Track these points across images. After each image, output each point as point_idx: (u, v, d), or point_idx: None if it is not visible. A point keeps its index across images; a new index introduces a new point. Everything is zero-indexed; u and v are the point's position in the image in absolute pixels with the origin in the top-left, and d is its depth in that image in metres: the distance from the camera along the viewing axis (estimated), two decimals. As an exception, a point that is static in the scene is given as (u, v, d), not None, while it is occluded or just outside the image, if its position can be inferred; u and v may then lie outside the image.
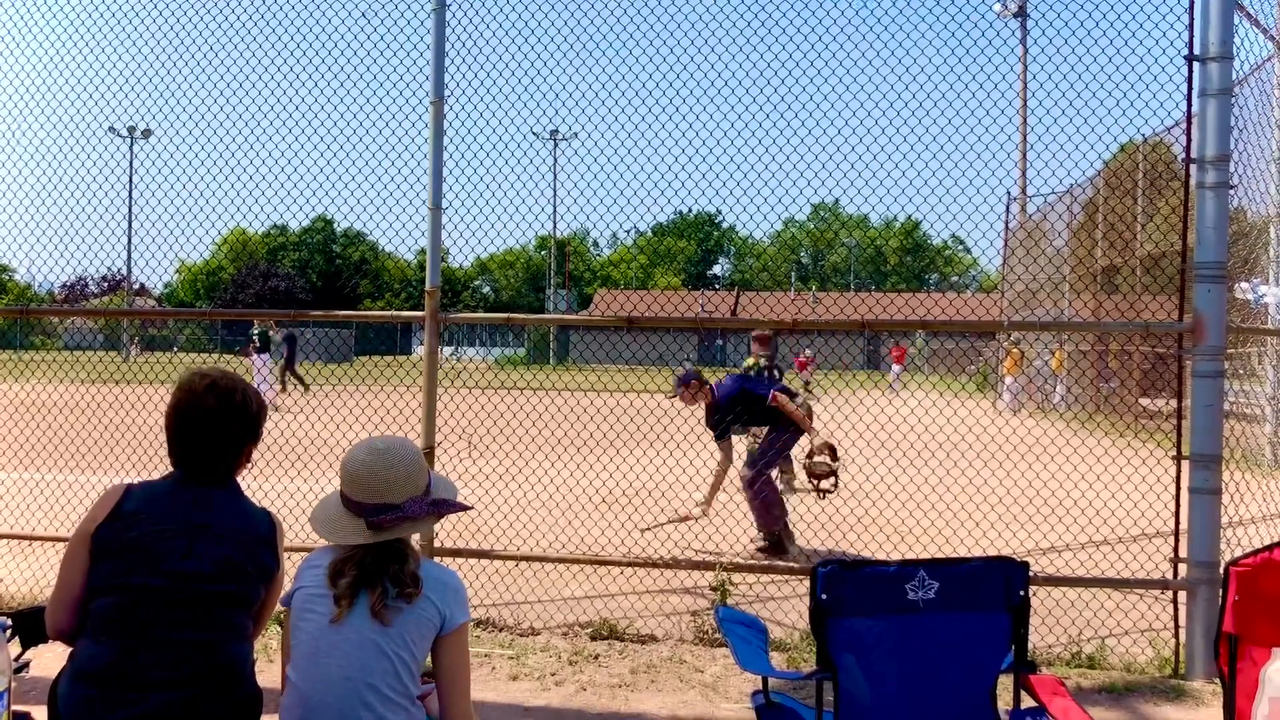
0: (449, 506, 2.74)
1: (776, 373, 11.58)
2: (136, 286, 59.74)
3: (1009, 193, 26.09)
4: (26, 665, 2.79)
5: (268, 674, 3.03)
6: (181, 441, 2.73)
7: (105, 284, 70.91)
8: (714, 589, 5.87)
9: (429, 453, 5.77)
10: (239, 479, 2.85)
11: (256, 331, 23.01)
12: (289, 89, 6.43)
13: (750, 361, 11.28)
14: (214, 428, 2.72)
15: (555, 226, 62.64)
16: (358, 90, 6.41)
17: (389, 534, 2.60)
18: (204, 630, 2.57)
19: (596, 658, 5.22)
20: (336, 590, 2.54)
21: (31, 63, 6.78)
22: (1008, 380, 25.03)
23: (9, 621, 2.71)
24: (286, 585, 2.77)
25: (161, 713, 2.49)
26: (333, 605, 2.53)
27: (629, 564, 6.11)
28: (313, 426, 10.18)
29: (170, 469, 2.78)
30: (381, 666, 2.49)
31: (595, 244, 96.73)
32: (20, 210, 7.00)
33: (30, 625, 2.74)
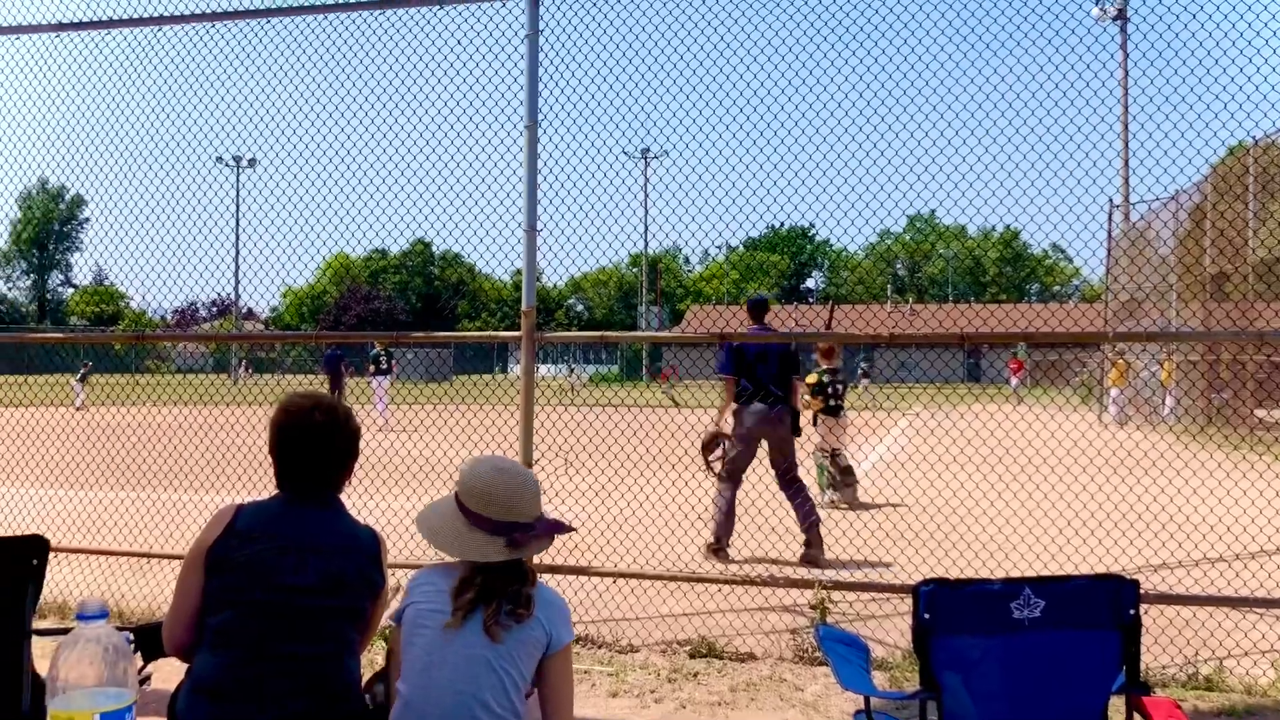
0: (562, 528, 2.79)
1: (840, 386, 11.49)
2: (244, 310, 61.79)
3: (1110, 200, 25.41)
4: (148, 678, 2.90)
5: (375, 689, 3.10)
6: (290, 461, 2.82)
7: (214, 308, 73.47)
8: (813, 607, 5.82)
9: (527, 470, 5.83)
10: (341, 496, 2.93)
11: (375, 353, 23.37)
12: (387, 118, 6.62)
13: (812, 378, 11.18)
14: (322, 446, 2.81)
15: (646, 244, 62.92)
16: (454, 118, 6.55)
17: (524, 552, 2.66)
18: (315, 644, 2.65)
19: (695, 675, 5.21)
20: (455, 605, 2.58)
21: (145, 99, 7.09)
22: (1114, 392, 24.37)
23: (132, 636, 2.82)
24: (395, 602, 2.83)
25: None
26: (448, 618, 2.57)
27: (726, 581, 6.10)
28: (415, 445, 10.40)
29: (276, 489, 2.87)
30: (491, 682, 2.53)
31: (686, 260, 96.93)
32: (135, 240, 7.31)
33: (151, 640, 2.86)
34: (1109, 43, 28.11)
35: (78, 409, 29.29)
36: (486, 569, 2.62)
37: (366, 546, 2.81)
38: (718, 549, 8.13)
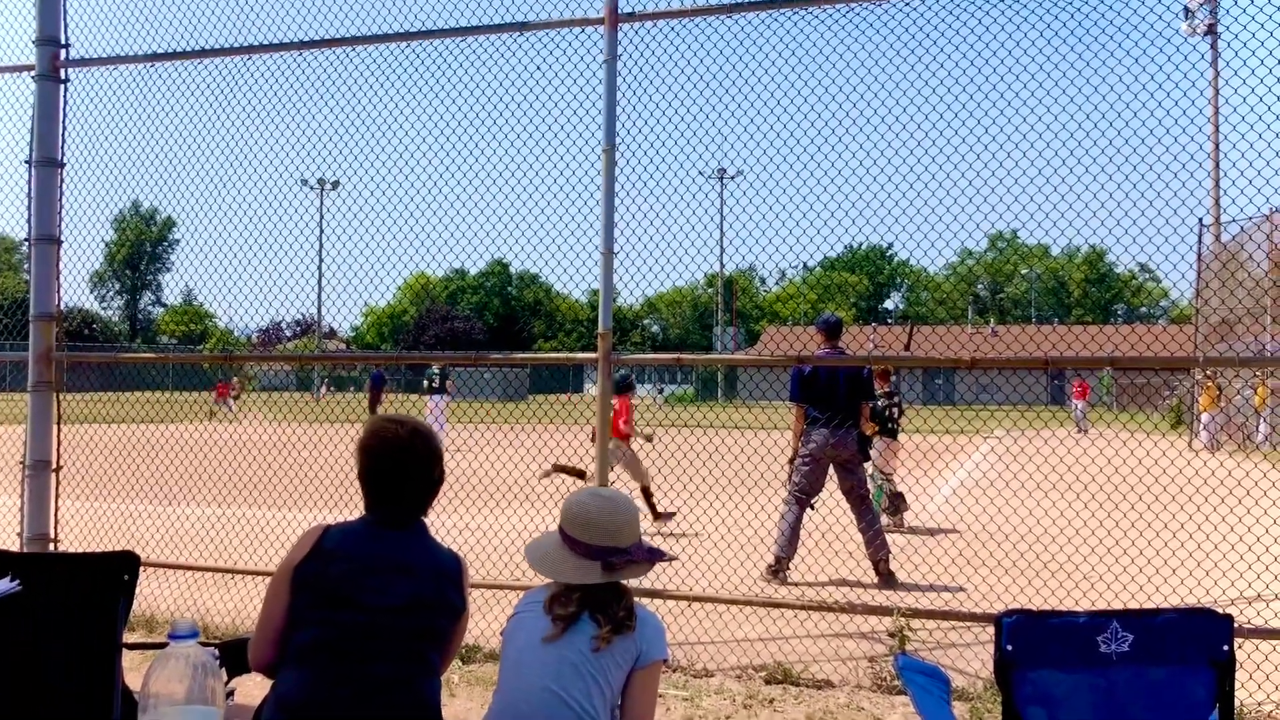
0: (660, 556, 2.87)
1: (896, 410, 11.40)
2: (326, 330, 63.05)
3: (1200, 220, 24.73)
4: (232, 693, 2.96)
5: (449, 708, 3.13)
6: (381, 485, 2.85)
7: (298, 327, 75.09)
8: (892, 635, 5.73)
9: (603, 492, 5.83)
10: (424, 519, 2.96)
11: (430, 371, 23.20)
12: (467, 141, 6.72)
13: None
14: (411, 473, 2.85)
15: (722, 264, 62.95)
16: (533, 141, 6.63)
17: (620, 575, 2.77)
18: (398, 665, 2.69)
19: (771, 702, 5.16)
20: (552, 615, 2.70)
21: (233, 124, 7.28)
22: (1205, 417, 23.65)
23: (217, 652, 2.88)
24: (483, 620, 2.87)
25: None
26: (549, 626, 2.68)
27: (803, 607, 6.03)
28: (491, 465, 10.49)
29: (362, 509, 2.91)
30: (576, 683, 2.61)
31: (762, 281, 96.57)
32: (222, 261, 7.49)
33: (236, 656, 2.91)
34: (1198, 61, 27.45)
35: (228, 420, 30.12)
36: (583, 587, 2.73)
37: (448, 570, 2.84)
38: (777, 570, 8.09)
